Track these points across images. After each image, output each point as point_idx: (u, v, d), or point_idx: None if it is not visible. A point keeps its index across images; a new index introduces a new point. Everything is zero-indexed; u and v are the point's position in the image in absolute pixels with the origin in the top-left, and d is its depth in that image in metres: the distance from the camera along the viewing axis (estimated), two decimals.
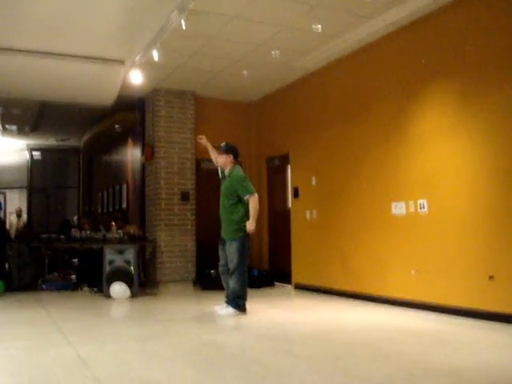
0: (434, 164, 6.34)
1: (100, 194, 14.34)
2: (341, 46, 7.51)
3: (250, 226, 6.19)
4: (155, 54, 7.44)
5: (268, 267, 9.83)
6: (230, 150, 6.54)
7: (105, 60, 8.27)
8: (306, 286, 8.61)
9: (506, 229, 5.47)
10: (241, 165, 6.77)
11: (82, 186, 15.94)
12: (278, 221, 9.74)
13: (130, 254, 8.04)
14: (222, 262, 6.45)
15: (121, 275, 7.91)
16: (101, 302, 7.62)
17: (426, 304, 6.32)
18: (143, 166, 10.03)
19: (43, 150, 15.81)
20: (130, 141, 11.66)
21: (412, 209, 6.60)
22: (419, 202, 6.49)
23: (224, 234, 6.42)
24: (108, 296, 7.82)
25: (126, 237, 8.62)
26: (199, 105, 9.77)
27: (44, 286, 8.94)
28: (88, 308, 7.23)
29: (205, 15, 6.54)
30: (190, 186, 9.51)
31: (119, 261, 7.99)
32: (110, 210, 13.06)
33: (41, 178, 15.89)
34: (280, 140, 9.55)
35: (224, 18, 6.63)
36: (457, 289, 5.96)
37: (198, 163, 9.74)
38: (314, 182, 8.52)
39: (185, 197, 9.43)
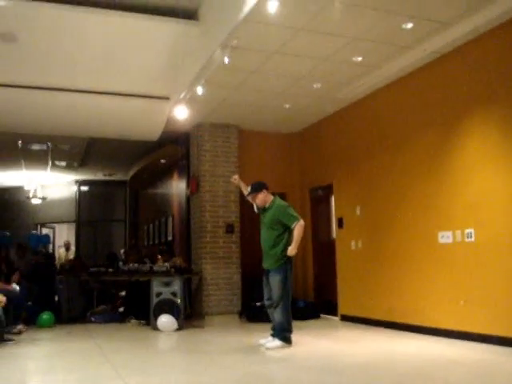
0: (478, 193, 6.25)
1: (146, 227, 14.60)
2: (382, 76, 7.55)
3: (292, 249, 6.18)
4: (199, 90, 7.63)
5: (313, 298, 9.77)
6: (260, 187, 6.60)
7: (150, 97, 8.52)
8: (353, 318, 8.51)
9: None
10: (281, 195, 6.88)
11: (129, 219, 16.26)
12: (323, 251, 9.71)
13: (177, 285, 8.13)
14: (266, 296, 6.43)
15: (168, 307, 7.99)
16: (148, 334, 7.72)
17: (474, 334, 6.16)
18: (188, 199, 10.20)
19: (91, 184, 16.24)
20: (175, 174, 11.90)
21: (459, 238, 6.50)
22: (466, 231, 6.39)
23: (266, 264, 6.42)
24: (155, 328, 7.90)
25: (172, 269, 8.72)
26: (242, 138, 9.92)
27: (93, 319, 9.12)
28: (135, 340, 7.33)
29: (247, 51, 6.71)
30: (234, 218, 9.60)
31: (166, 293, 8.09)
32: (156, 242, 13.26)
33: (88, 212, 16.29)
34: (323, 170, 9.58)
35: (265, 53, 6.78)
36: (505, 319, 5.81)
37: (241, 195, 9.83)
38: (358, 212, 8.50)
39: (230, 229, 9.52)
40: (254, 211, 6.87)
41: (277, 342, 6.20)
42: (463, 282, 6.41)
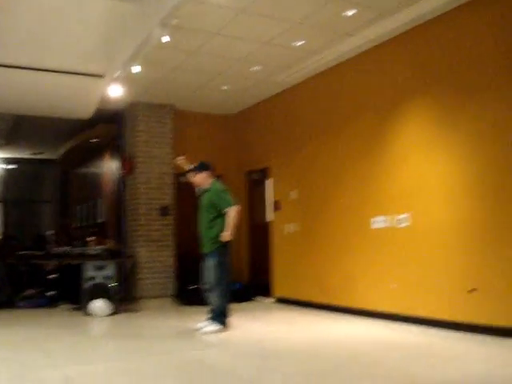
0: (415, 178, 6.43)
1: (76, 208, 14.17)
2: (322, 61, 7.58)
3: (225, 235, 6.17)
4: (135, 69, 7.41)
5: (248, 281, 9.81)
6: (203, 167, 6.55)
7: (83, 75, 8.18)
8: (287, 300, 8.62)
9: (487, 241, 5.56)
10: (219, 178, 6.86)
11: (58, 200, 15.72)
12: (258, 234, 9.75)
13: (110, 270, 7.94)
14: (205, 280, 6.39)
15: (101, 292, 7.78)
16: (82, 320, 7.51)
17: (409, 317, 6.36)
18: (121, 180, 9.95)
19: (18, 162, 15.56)
20: (107, 154, 11.57)
21: (393, 223, 6.67)
22: (401, 216, 6.56)
23: (204, 248, 6.38)
24: (87, 314, 7.69)
25: (104, 253, 8.51)
26: (178, 118, 9.75)
27: (21, 304, 8.77)
28: (69, 326, 7.09)
29: (186, 31, 6.56)
30: (169, 200, 9.46)
31: (99, 277, 7.87)
32: (87, 223, 12.91)
33: (16, 191, 15.62)
34: (260, 154, 9.58)
35: (205, 34, 6.67)
36: (440, 302, 6.03)
37: (176, 177, 9.71)
38: (294, 196, 8.56)
39: (164, 212, 9.38)
40: (195, 193, 6.75)
41: (213, 326, 6.18)
42: (398, 267, 6.59)
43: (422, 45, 6.39)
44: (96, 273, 7.89)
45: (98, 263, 8.00)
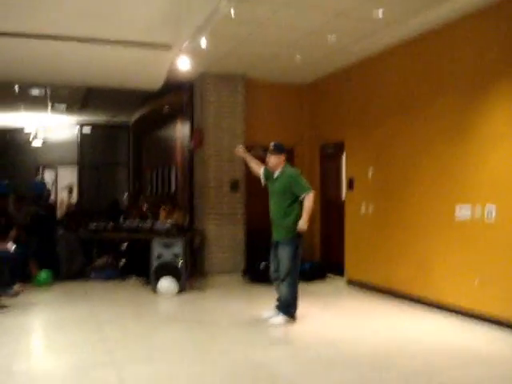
0: (505, 168, 5.76)
1: (149, 173, 14.20)
2: (403, 32, 6.91)
3: (303, 224, 5.84)
4: (203, 42, 7.02)
5: (320, 259, 9.47)
6: (282, 149, 6.20)
7: (151, 45, 7.91)
8: (359, 283, 8.22)
9: None
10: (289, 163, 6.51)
11: (132, 164, 15.85)
12: (331, 212, 9.32)
13: (178, 247, 7.82)
14: (273, 268, 6.12)
15: (169, 270, 7.70)
16: (148, 299, 7.51)
17: (488, 317, 5.86)
18: (191, 152, 9.74)
19: (93, 126, 15.74)
20: (179, 122, 11.37)
21: (478, 214, 6.06)
22: (487, 207, 5.94)
23: (277, 235, 6.05)
24: (155, 291, 7.65)
25: (174, 229, 8.38)
26: (250, 88, 9.33)
27: (92, 275, 8.88)
28: (135, 307, 7.04)
29: (254, 3, 6.08)
30: (239, 174, 9.16)
31: (167, 255, 7.78)
32: (159, 191, 12.92)
33: (91, 155, 15.88)
34: (335, 127, 9.05)
35: (273, 5, 6.16)
36: None
37: (248, 150, 9.36)
38: (370, 175, 8.03)
39: (234, 186, 9.11)
40: (260, 183, 6.44)
41: (281, 318, 5.92)
42: (481, 262, 6.02)
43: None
44: (164, 250, 7.80)
45: (167, 241, 7.88)
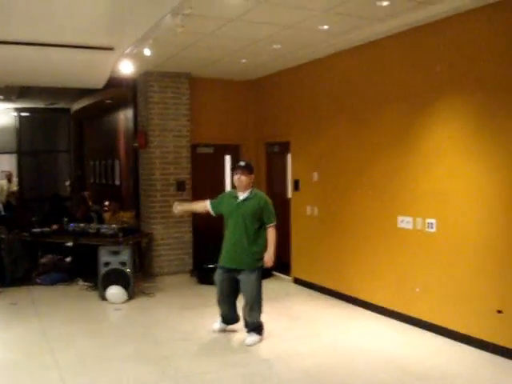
0: (446, 182, 5.97)
1: (92, 163, 13.94)
2: (351, 40, 6.95)
3: (270, 258, 5.72)
4: (146, 51, 6.94)
5: None
6: (252, 169, 5.97)
7: (95, 48, 7.69)
8: (305, 282, 8.46)
9: None
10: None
11: (74, 151, 15.48)
12: (278, 209, 9.38)
13: (126, 255, 7.78)
14: (223, 292, 5.94)
15: (117, 278, 7.67)
16: (97, 307, 7.46)
17: (429, 324, 6.17)
18: (136, 150, 9.61)
19: (31, 112, 15.22)
20: (122, 116, 11.17)
21: (419, 226, 6.31)
22: (428, 220, 6.19)
23: (238, 263, 5.75)
24: (104, 298, 7.63)
25: (120, 233, 8.31)
26: (194, 87, 9.23)
27: (38, 280, 8.74)
28: (85, 321, 6.90)
29: (201, 18, 6.00)
30: (185, 175, 9.14)
31: (115, 262, 7.73)
32: (103, 182, 12.72)
33: (30, 142, 15.40)
34: (281, 126, 9.09)
35: (221, 20, 6.10)
36: (462, 315, 5.78)
37: (193, 148, 9.37)
38: (315, 178, 8.18)
39: (181, 187, 9.09)
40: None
41: (255, 338, 5.85)
42: (422, 271, 6.31)
43: (466, 34, 5.71)
44: (111, 258, 7.75)
45: (114, 248, 7.83)
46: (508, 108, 5.29)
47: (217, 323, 6.24)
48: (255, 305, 5.80)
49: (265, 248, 5.77)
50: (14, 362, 5.45)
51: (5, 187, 15.03)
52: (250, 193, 5.81)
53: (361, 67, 7.24)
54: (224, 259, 5.86)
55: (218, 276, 5.97)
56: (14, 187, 15.19)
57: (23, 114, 15.21)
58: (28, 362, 5.44)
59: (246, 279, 5.74)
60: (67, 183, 15.14)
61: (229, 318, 6.17)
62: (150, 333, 6.37)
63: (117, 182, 11.61)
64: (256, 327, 5.89)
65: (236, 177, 5.82)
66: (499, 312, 5.38)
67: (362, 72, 7.24)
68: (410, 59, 6.43)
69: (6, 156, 15.44)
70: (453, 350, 5.65)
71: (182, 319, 6.91)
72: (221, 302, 6.08)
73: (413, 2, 5.47)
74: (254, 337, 5.84)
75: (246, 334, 5.92)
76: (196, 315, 7.05)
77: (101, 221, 9.61)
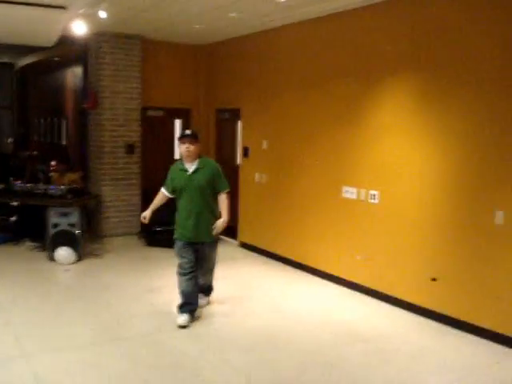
0: (389, 156, 6.32)
1: (36, 121, 13.63)
2: (305, 14, 7.10)
3: (224, 224, 5.52)
4: (102, 14, 6.88)
5: None
6: (197, 137, 5.56)
7: (45, 6, 7.53)
8: (251, 246, 8.75)
9: (451, 233, 5.64)
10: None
11: (16, 107, 15.04)
12: (227, 175, 9.59)
13: (75, 217, 7.82)
14: (188, 265, 5.52)
15: (65, 239, 7.72)
16: (46, 270, 7.46)
17: (370, 289, 6.59)
18: (85, 111, 9.52)
19: None
20: (70, 75, 10.96)
21: (363, 196, 6.66)
22: (371, 191, 6.54)
23: (200, 236, 5.51)
24: (52, 259, 7.68)
25: (69, 194, 8.30)
26: (146, 49, 9.20)
27: None
28: (35, 281, 6.94)
29: None
30: (135, 138, 9.16)
31: (63, 224, 7.77)
32: (48, 141, 12.50)
33: None
34: (232, 93, 9.22)
35: None
36: (400, 282, 6.21)
37: (144, 111, 9.37)
38: (265, 146, 8.39)
39: (130, 150, 9.12)
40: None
41: (208, 299, 6.11)
42: (363, 239, 6.69)
43: (415, 15, 5.97)
44: (60, 219, 7.77)
45: (63, 210, 7.84)
46: (451, 87, 5.63)
47: (181, 316, 5.54)
48: (213, 270, 5.96)
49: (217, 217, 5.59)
50: None
51: None
52: (200, 162, 5.52)
53: (314, 40, 7.42)
54: (185, 235, 5.52)
55: (178, 249, 5.60)
56: None
57: None
58: None
59: (209, 251, 5.68)
60: (9, 140, 14.76)
61: (192, 292, 5.63)
62: (99, 292, 6.53)
63: (63, 142, 11.46)
64: (209, 287, 6.07)
65: (184, 146, 5.46)
66: (434, 280, 5.82)
67: (314, 44, 7.42)
68: (362, 36, 6.66)
69: None
70: (389, 313, 6.07)
71: (130, 280, 7.09)
72: (184, 276, 5.56)
73: None
74: (208, 298, 6.09)
75: (204, 295, 6.02)
76: (144, 276, 7.26)
77: (48, 181, 9.50)
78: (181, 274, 5.59)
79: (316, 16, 7.20)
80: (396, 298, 6.24)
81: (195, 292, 5.66)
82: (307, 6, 6.73)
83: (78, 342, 5.10)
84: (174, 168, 5.69)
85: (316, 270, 7.42)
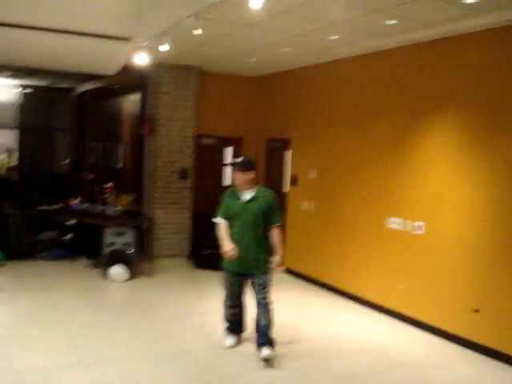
0: (435, 189, 6.49)
1: (93, 144, 14.21)
2: (357, 50, 7.42)
3: (278, 259, 5.32)
4: (164, 46, 7.31)
5: None
6: (251, 165, 5.35)
7: (112, 37, 8.09)
8: (296, 273, 8.96)
9: (494, 266, 5.76)
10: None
11: (74, 131, 15.71)
12: None
13: (130, 236, 8.24)
14: (233, 297, 5.50)
15: (120, 257, 8.13)
16: (101, 286, 7.86)
17: (411, 319, 6.72)
18: (141, 137, 9.99)
19: (35, 88, 15.43)
20: (128, 102, 11.50)
21: (408, 227, 6.83)
22: (416, 223, 6.70)
23: (247, 266, 5.27)
24: (106, 276, 8.07)
25: (124, 215, 8.74)
26: (203, 80, 9.66)
27: (41, 255, 9.13)
28: (91, 296, 7.36)
29: (219, 22, 6.42)
30: (189, 163, 9.58)
31: (119, 243, 8.19)
32: (104, 164, 13.04)
33: (32, 118, 15.60)
34: (282, 123, 9.57)
35: (237, 24, 6.51)
36: (443, 312, 6.32)
37: (198, 138, 9.79)
38: (313, 175, 8.65)
39: (184, 175, 9.53)
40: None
41: (271, 350, 5.30)
42: (407, 269, 6.83)
43: (462, 54, 6.22)
44: (116, 239, 8.20)
45: (119, 230, 8.27)
46: (494, 126, 5.82)
47: (228, 339, 5.67)
48: (268, 306, 5.35)
49: (272, 249, 5.35)
50: (29, 332, 5.85)
51: (5, 161, 15.31)
52: (257, 191, 5.31)
53: (363, 75, 7.72)
54: (232, 264, 5.34)
55: (226, 279, 5.50)
56: (14, 162, 15.45)
57: (27, 90, 15.40)
58: (40, 331, 5.87)
59: (259, 282, 5.29)
60: (66, 162, 15.41)
61: (238, 321, 5.68)
62: (151, 309, 6.86)
63: (119, 165, 11.96)
64: (269, 340, 5.36)
65: (234, 174, 5.38)
66: (476, 311, 5.92)
67: (364, 80, 7.71)
68: (409, 72, 6.92)
69: (8, 131, 15.64)
70: (432, 343, 6.19)
71: (180, 298, 7.42)
72: (230, 305, 5.58)
73: (416, 22, 5.93)
74: (270, 350, 5.29)
75: (260, 344, 5.37)
76: (193, 296, 7.58)
77: (103, 202, 9.98)
78: (225, 305, 5.59)
79: (366, 52, 7.49)
80: (438, 328, 6.34)
81: (239, 319, 5.63)
82: (356, 43, 7.04)
83: (131, 354, 5.41)
84: (226, 195, 5.49)
85: (359, 298, 7.56)
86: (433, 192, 6.54)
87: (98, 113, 14.24)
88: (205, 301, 7.25)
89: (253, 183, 5.34)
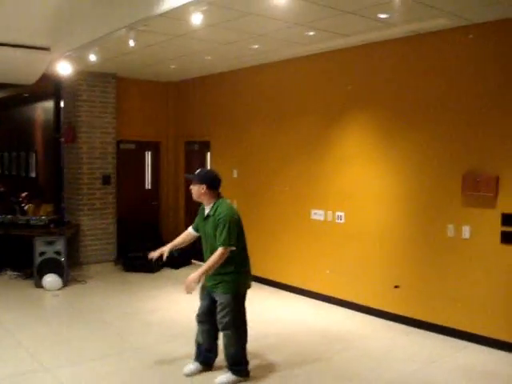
0: (352, 183, 7.26)
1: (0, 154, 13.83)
2: (279, 56, 7.98)
3: (192, 278, 4.69)
4: (92, 57, 7.50)
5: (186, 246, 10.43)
6: (203, 178, 4.92)
7: (30, 47, 8.10)
8: None
9: (407, 247, 6.61)
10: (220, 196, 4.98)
11: None
12: (196, 202, 10.26)
13: (60, 245, 8.29)
14: (200, 311, 5.06)
15: (52, 266, 8.16)
16: (35, 296, 7.87)
17: (338, 299, 7.45)
18: (58, 145, 10.00)
19: None
20: (40, 110, 11.39)
21: (330, 218, 7.54)
22: (337, 213, 7.43)
23: (209, 282, 4.88)
24: (39, 286, 8.08)
25: (52, 224, 8.76)
26: (120, 86, 9.85)
27: None
28: (30, 306, 7.39)
29: (151, 33, 6.72)
30: (111, 169, 9.74)
31: (50, 252, 8.22)
32: (14, 174, 12.78)
33: None
34: (201, 126, 9.98)
35: (168, 36, 6.85)
36: (368, 292, 7.09)
37: (118, 144, 9.96)
38: (235, 175, 9.15)
39: (106, 180, 9.68)
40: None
41: (230, 376, 4.90)
42: (332, 256, 7.55)
43: (372, 63, 7.00)
44: (47, 248, 8.22)
45: (49, 239, 8.30)
46: (400, 125, 6.68)
47: (188, 365, 5.14)
48: (230, 332, 4.88)
49: (237, 269, 4.88)
50: None
51: None
52: (211, 208, 4.89)
53: (281, 79, 8.34)
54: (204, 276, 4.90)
55: (199, 291, 5.11)
56: None
57: None
58: None
59: (219, 302, 4.87)
60: None
61: (200, 345, 5.15)
62: (95, 314, 7.03)
63: (32, 174, 11.80)
64: (236, 364, 4.95)
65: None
66: (396, 287, 6.72)
67: (283, 84, 8.34)
68: (326, 77, 7.62)
69: None
70: (362, 319, 6.94)
71: (117, 302, 7.65)
72: (199, 320, 5.11)
73: (335, 33, 6.60)
74: (228, 376, 4.91)
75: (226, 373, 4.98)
76: (131, 298, 7.83)
77: (23, 212, 9.90)
78: (196, 321, 5.14)
79: (285, 58, 8.10)
80: (363, 305, 7.11)
81: (203, 343, 5.09)
82: (277, 51, 7.62)
83: (89, 355, 5.59)
84: (201, 207, 5.09)
85: (289, 285, 8.19)
86: (350, 185, 7.29)
87: (8, 122, 13.87)
88: (143, 301, 7.55)
89: (212, 197, 4.91)
